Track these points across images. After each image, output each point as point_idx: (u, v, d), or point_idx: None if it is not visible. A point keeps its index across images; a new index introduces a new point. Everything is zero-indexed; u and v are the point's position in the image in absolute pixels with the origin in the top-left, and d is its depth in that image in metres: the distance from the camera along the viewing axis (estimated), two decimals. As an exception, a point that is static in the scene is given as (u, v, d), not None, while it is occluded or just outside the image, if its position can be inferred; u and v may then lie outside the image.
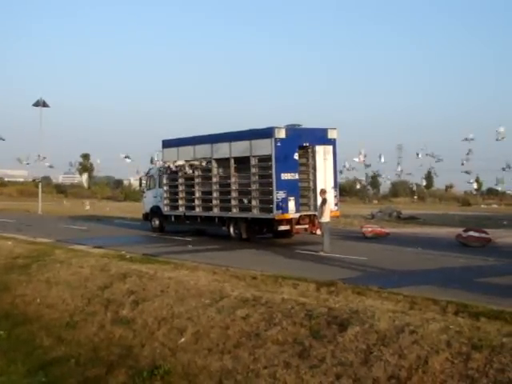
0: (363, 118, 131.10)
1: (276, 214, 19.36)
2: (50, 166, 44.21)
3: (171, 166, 23.15)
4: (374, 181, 78.87)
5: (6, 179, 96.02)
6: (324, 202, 17.73)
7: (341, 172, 24.92)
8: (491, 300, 9.46)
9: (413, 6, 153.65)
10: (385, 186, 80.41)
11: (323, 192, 18.18)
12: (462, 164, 25.15)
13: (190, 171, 22.58)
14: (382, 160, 23.00)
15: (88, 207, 28.04)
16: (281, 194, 19.31)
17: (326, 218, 17.67)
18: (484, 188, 73.95)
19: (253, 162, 20.23)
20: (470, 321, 7.61)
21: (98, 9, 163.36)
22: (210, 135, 22.38)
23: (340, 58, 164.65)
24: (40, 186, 47.17)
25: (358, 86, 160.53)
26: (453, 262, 15.24)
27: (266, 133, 19.65)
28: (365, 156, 27.28)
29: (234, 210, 21.17)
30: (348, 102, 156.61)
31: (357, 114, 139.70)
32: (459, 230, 20.14)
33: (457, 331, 6.87)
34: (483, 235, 19.27)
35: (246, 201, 20.53)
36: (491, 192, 76.39)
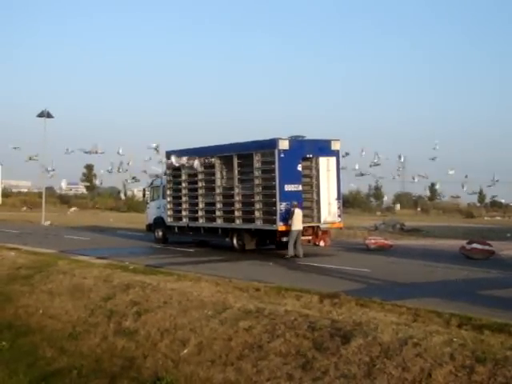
0: (367, 130, 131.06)
1: (279, 226, 19.35)
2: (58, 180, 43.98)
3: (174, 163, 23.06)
4: (378, 192, 78.95)
5: (9, 189, 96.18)
6: (292, 213, 18.95)
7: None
8: (495, 313, 9.42)
9: (419, 17, 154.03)
10: (388, 198, 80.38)
11: (294, 205, 19.06)
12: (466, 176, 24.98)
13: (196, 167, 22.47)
14: (402, 159, 22.90)
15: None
16: (284, 206, 19.33)
17: (295, 226, 18.98)
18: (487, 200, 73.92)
19: (256, 173, 20.28)
20: (473, 333, 7.58)
21: (102, 21, 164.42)
22: (213, 146, 22.44)
23: (348, 69, 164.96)
24: (44, 196, 47.38)
25: (360, 97, 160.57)
26: (456, 274, 15.22)
27: (270, 144, 19.69)
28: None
29: (238, 221, 21.17)
30: (351, 113, 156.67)
31: (360, 125, 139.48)
32: (463, 242, 20.10)
33: (460, 344, 6.84)
34: (487, 247, 19.22)
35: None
36: (495, 204, 76.24)
